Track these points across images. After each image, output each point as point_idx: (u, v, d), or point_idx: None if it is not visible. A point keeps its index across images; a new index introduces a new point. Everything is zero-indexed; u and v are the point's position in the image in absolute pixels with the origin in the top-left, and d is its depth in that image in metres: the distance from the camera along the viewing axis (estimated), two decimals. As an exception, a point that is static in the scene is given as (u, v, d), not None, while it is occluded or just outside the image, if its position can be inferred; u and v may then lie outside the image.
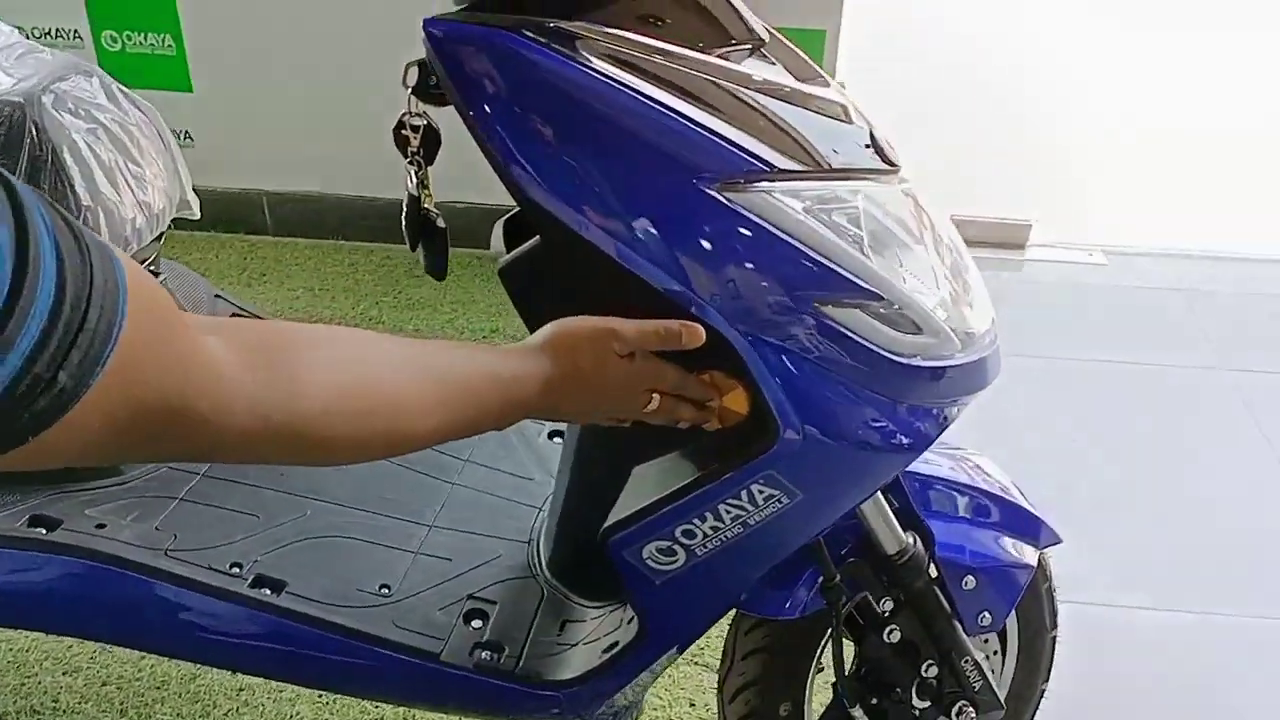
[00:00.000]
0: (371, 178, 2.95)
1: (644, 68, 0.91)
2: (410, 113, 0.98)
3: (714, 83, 0.94)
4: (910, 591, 1.19)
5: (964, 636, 1.22)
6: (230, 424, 0.61)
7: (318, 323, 2.07)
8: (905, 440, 1.02)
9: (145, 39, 2.80)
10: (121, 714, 1.64)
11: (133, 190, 1.23)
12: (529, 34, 0.90)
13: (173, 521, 1.28)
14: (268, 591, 1.22)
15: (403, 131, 0.99)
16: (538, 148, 0.91)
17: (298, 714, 1.65)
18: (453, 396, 0.79)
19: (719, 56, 0.98)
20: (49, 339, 0.48)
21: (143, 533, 1.25)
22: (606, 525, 1.05)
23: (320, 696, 1.67)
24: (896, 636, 1.22)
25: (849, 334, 0.95)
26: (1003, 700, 1.27)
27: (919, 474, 1.24)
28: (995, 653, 1.38)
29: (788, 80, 1.01)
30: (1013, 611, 1.30)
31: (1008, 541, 1.28)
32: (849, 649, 1.22)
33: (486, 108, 0.90)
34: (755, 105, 0.96)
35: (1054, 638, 1.41)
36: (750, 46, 1.02)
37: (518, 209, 1.07)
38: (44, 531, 1.23)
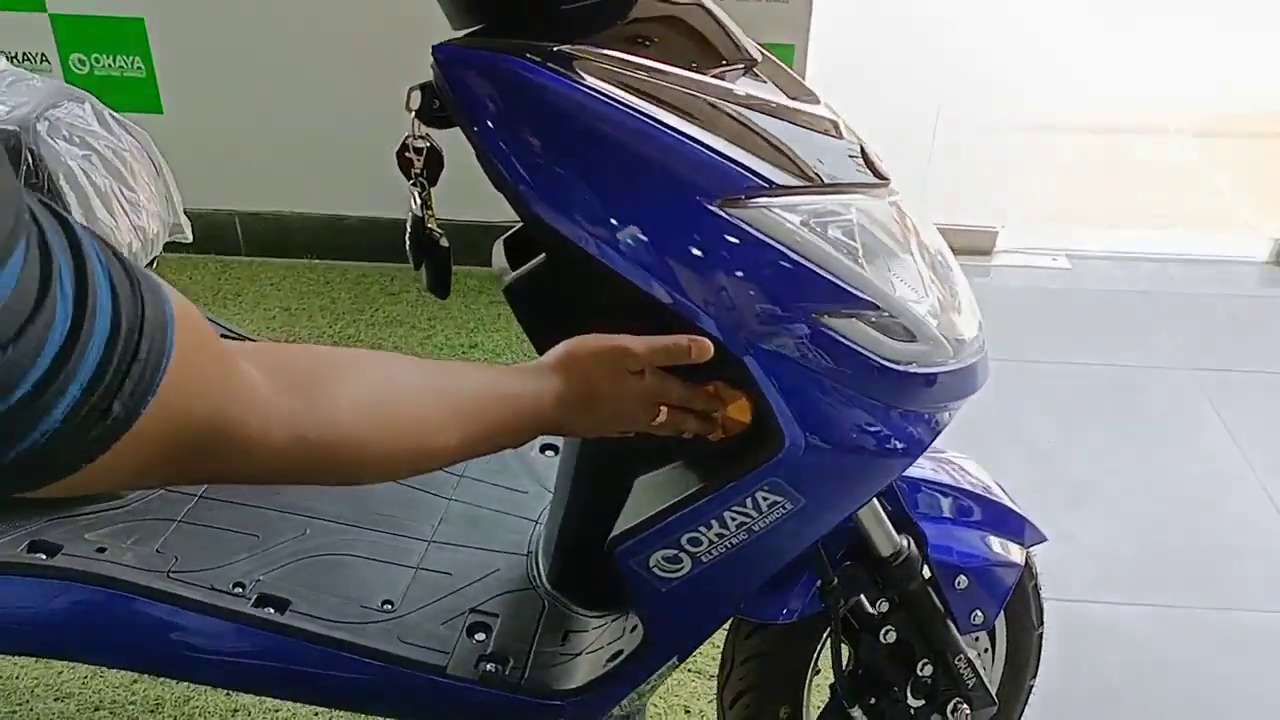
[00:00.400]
0: (344, 196, 2.96)
1: (644, 89, 0.94)
2: (414, 135, 0.99)
3: (711, 102, 0.97)
4: (905, 592, 1.23)
5: (957, 635, 1.26)
6: (268, 444, 0.63)
7: (300, 343, 2.08)
8: (900, 445, 1.06)
9: (114, 61, 2.79)
10: (115, 739, 1.63)
11: (128, 215, 1.24)
12: (532, 57, 0.92)
13: (173, 544, 1.29)
14: (271, 610, 1.23)
15: (406, 154, 1.01)
16: (542, 166, 0.93)
17: (293, 733, 1.65)
18: (472, 416, 0.81)
19: (714, 76, 1.01)
20: (105, 370, 0.50)
21: (144, 556, 1.25)
22: (613, 535, 1.07)
23: (316, 716, 1.67)
24: (892, 637, 1.25)
25: (846, 343, 0.98)
26: (995, 696, 1.31)
27: (907, 477, 1.27)
28: (985, 650, 1.42)
29: (780, 98, 1.04)
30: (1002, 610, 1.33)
31: (996, 541, 1.32)
32: (845, 651, 1.25)
33: (493, 128, 0.92)
34: (751, 123, 0.99)
35: (1041, 634, 1.45)
36: (743, 66, 1.05)
37: (517, 227, 1.10)
38: (44, 557, 1.23)
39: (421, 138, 1.00)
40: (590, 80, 0.92)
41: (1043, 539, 1.36)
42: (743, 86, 1.02)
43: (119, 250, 0.54)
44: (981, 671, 1.28)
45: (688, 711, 1.71)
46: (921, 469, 1.31)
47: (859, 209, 1.02)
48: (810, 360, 0.98)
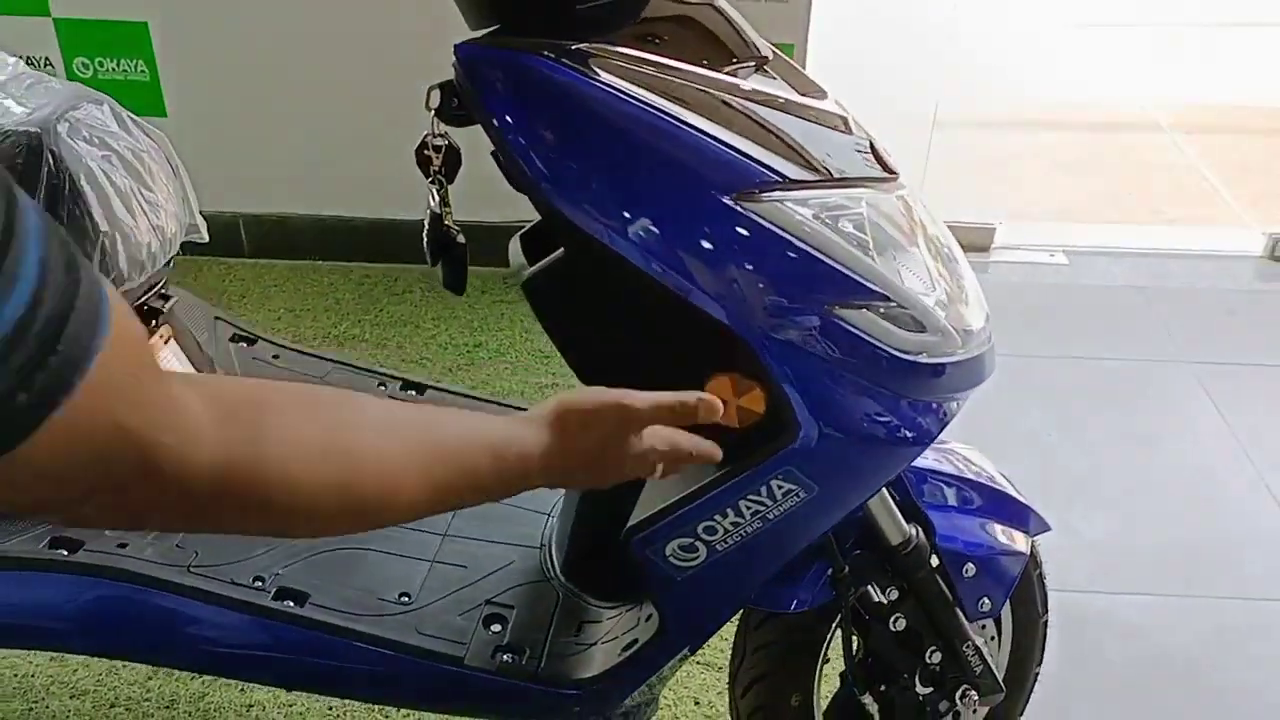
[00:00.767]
0: (347, 197, 2.97)
1: (659, 86, 0.96)
2: (433, 134, 1.02)
3: (724, 98, 1.00)
4: (914, 581, 1.25)
5: (965, 623, 1.28)
6: (193, 473, 0.57)
7: (299, 342, 2.08)
8: (909, 434, 1.08)
9: (118, 65, 2.80)
10: (131, 735, 1.65)
11: (147, 216, 1.26)
12: (550, 55, 0.94)
13: (192, 538, 1.30)
14: (291, 603, 1.25)
15: (425, 152, 1.03)
16: (562, 161, 0.95)
17: (307, 728, 1.67)
18: (444, 469, 0.72)
19: (726, 73, 1.03)
20: (11, 349, 0.45)
21: (164, 550, 1.27)
22: (629, 525, 1.09)
23: (330, 709, 1.69)
24: (901, 625, 1.27)
25: (857, 333, 1.01)
26: (1002, 683, 1.33)
27: (915, 467, 1.29)
28: (992, 638, 1.44)
29: (791, 94, 1.06)
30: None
31: (1001, 530, 1.34)
32: (854, 639, 1.27)
33: (513, 124, 0.94)
34: (762, 119, 1.01)
35: (1046, 622, 1.47)
36: (754, 63, 1.07)
37: (533, 224, 1.12)
38: (65, 553, 1.25)
39: (440, 136, 1.02)
40: (607, 77, 0.94)
41: (1047, 528, 1.38)
42: (754, 83, 1.04)
43: (72, 245, 0.49)
44: (989, 659, 1.30)
45: (697, 703, 1.73)
46: (928, 459, 1.33)
47: (869, 203, 1.04)
48: (822, 350, 1.00)
